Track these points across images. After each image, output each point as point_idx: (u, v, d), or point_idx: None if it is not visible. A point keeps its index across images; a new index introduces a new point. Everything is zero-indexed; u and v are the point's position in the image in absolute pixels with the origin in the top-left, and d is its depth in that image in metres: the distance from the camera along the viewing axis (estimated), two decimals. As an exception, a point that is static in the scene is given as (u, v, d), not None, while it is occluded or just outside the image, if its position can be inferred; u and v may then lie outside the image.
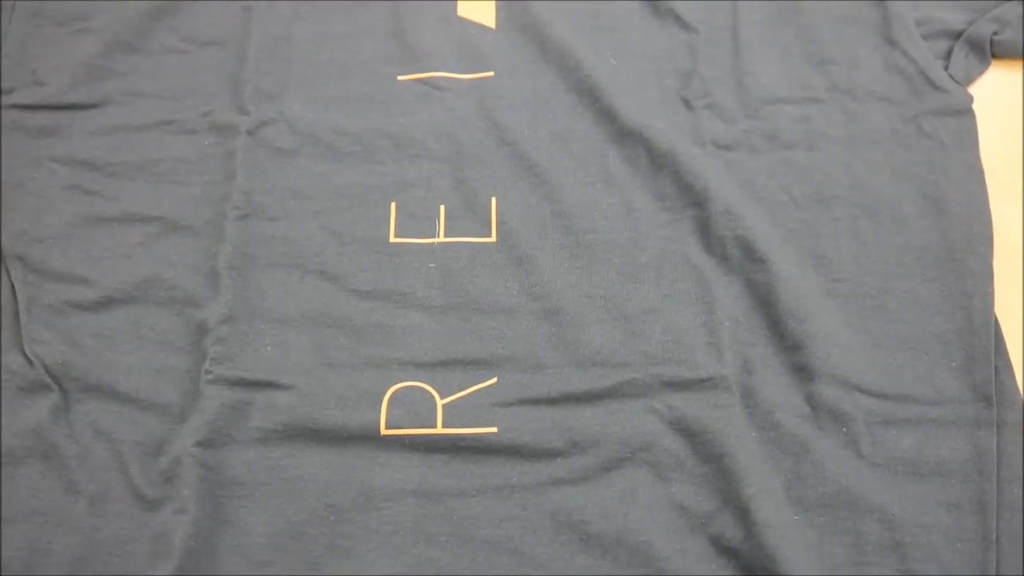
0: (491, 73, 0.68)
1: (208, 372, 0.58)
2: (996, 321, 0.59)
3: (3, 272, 0.62)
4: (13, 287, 0.61)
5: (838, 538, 0.54)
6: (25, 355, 0.59)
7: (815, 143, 0.65)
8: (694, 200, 0.62)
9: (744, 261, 0.61)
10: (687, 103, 0.66)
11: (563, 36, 0.68)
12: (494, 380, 0.58)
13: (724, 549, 0.54)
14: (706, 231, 0.62)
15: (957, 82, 0.66)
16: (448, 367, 0.58)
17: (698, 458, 0.56)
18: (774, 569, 0.52)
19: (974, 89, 0.67)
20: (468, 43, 0.69)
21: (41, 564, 0.54)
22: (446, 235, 0.62)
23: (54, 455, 0.57)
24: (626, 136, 0.65)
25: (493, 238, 0.62)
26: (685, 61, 0.68)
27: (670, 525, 0.55)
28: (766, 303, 0.59)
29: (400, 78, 0.68)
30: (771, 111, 0.66)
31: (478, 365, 0.59)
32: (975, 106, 0.65)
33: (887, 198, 0.63)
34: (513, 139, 0.65)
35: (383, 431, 0.56)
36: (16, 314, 0.60)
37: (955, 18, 0.68)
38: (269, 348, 0.59)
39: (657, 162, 0.64)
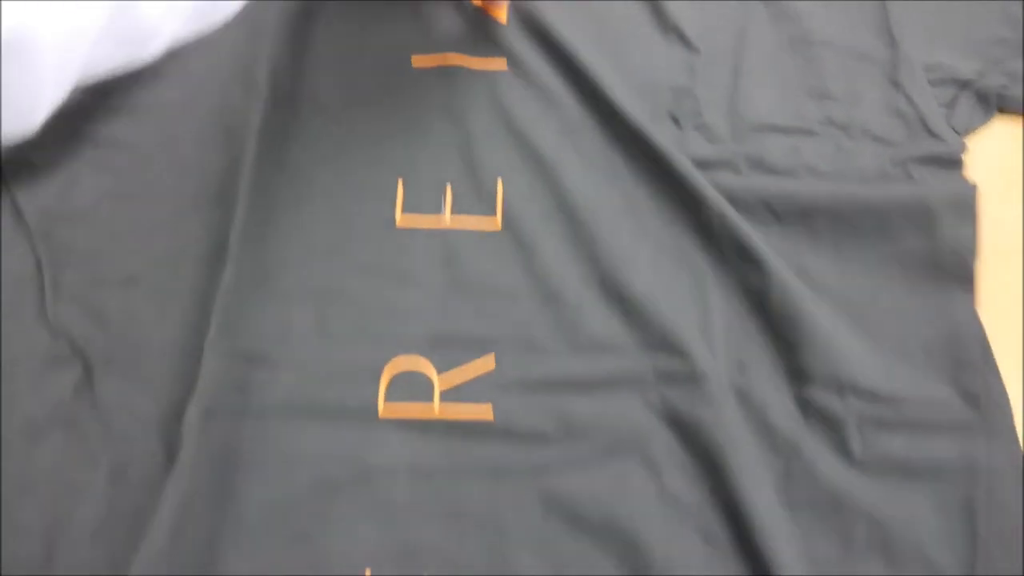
0: (503, 62, 0.69)
1: (212, 343, 0.59)
2: (982, 327, 0.59)
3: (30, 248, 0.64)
4: (39, 262, 0.63)
5: (826, 537, 0.55)
6: (49, 329, 0.61)
7: (799, 174, 0.64)
8: (692, 204, 0.63)
9: (740, 263, 0.61)
10: (676, 121, 0.67)
11: (570, 39, 0.69)
12: (492, 357, 0.59)
13: (712, 541, 0.55)
14: (706, 232, 0.62)
15: (956, 132, 0.65)
16: (447, 344, 0.60)
17: (690, 452, 0.57)
18: (762, 565, 0.53)
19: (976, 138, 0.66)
20: (482, 30, 0.70)
21: (61, 533, 0.55)
22: (452, 214, 0.63)
23: (75, 427, 0.58)
24: (631, 141, 0.65)
25: (498, 220, 0.63)
26: (681, 79, 0.68)
27: (659, 514, 0.55)
28: (759, 306, 0.60)
29: (415, 59, 0.69)
30: (760, 138, 0.66)
31: (477, 343, 0.60)
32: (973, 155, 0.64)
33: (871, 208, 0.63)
34: (521, 128, 0.66)
35: (381, 414, 0.58)
36: (42, 288, 0.62)
37: (966, 67, 0.68)
38: (272, 320, 0.60)
39: (661, 166, 0.64)
